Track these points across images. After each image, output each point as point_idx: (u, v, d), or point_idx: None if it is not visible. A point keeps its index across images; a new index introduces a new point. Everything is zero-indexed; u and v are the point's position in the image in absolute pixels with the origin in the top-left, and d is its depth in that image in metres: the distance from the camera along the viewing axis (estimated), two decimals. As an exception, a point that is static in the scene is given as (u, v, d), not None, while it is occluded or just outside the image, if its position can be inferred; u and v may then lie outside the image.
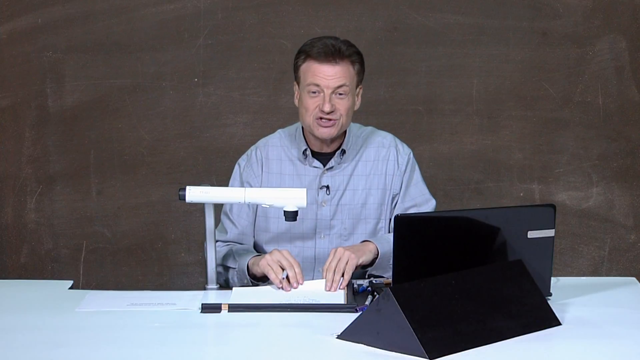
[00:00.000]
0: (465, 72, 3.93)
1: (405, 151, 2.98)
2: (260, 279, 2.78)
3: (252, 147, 3.00)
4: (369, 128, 3.02)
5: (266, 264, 2.68)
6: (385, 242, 2.81)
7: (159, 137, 3.95)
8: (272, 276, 2.66)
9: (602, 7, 3.89)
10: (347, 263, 2.67)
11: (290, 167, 2.94)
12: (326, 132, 2.84)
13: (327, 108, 2.79)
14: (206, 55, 3.91)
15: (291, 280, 2.65)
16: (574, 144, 3.96)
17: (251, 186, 2.93)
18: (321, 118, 2.81)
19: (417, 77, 3.93)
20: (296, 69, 2.87)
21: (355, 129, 2.98)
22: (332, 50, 2.80)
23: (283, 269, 2.66)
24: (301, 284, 2.65)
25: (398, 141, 3.00)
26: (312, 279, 2.76)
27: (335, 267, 2.66)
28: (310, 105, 2.82)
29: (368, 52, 3.86)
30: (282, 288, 2.65)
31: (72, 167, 3.96)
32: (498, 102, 3.95)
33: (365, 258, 2.75)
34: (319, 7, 3.89)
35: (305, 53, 2.83)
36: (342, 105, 2.82)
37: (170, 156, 3.96)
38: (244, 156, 3.00)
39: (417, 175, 2.99)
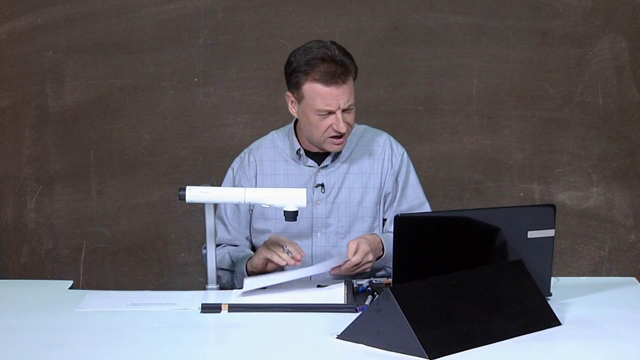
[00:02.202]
0: (465, 72, 3.93)
1: (398, 151, 2.98)
2: (261, 274, 2.78)
3: (245, 150, 3.01)
4: (363, 126, 3.02)
5: (266, 249, 2.70)
6: (390, 246, 2.83)
7: (159, 137, 3.95)
8: (275, 258, 2.67)
9: (602, 7, 3.89)
10: (363, 267, 2.73)
11: (285, 167, 2.94)
12: (338, 148, 2.88)
13: (343, 129, 2.80)
14: (206, 55, 3.91)
15: (294, 253, 2.66)
16: (574, 144, 3.96)
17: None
18: (335, 137, 2.83)
19: (417, 77, 3.93)
20: (296, 85, 2.82)
21: None
22: (338, 71, 2.76)
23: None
24: (304, 256, 2.68)
25: (392, 140, 3.01)
26: (310, 278, 2.77)
27: (358, 264, 2.71)
28: (322, 126, 2.82)
29: (368, 52, 3.88)
30: (286, 266, 2.69)
31: (72, 167, 3.96)
32: (498, 102, 3.95)
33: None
34: (319, 7, 3.89)
35: (307, 74, 2.78)
36: (351, 118, 2.84)
37: (170, 156, 3.96)
38: (237, 159, 3.00)
39: (413, 177, 2.99)
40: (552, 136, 3.96)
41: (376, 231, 2.94)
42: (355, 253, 2.69)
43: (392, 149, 2.98)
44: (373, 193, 2.94)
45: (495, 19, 3.91)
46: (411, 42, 3.91)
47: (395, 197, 2.96)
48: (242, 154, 3.00)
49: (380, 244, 2.80)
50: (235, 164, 3.00)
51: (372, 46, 3.90)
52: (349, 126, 2.84)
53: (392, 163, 2.96)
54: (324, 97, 2.78)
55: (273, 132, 3.01)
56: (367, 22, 3.90)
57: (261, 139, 3.01)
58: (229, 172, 3.00)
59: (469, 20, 3.91)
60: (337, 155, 2.93)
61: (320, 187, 2.92)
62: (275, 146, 2.97)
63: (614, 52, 3.91)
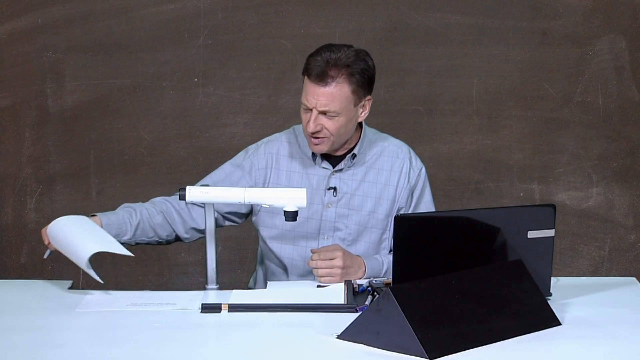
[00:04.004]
0: (465, 72, 3.93)
1: (417, 166, 2.94)
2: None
3: (265, 139, 2.97)
4: (385, 135, 2.98)
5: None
6: (376, 267, 2.81)
7: (159, 137, 3.95)
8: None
9: (602, 7, 3.89)
10: (330, 270, 2.72)
11: (300, 165, 2.91)
12: (317, 149, 2.84)
13: (310, 128, 2.77)
14: (206, 55, 3.91)
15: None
16: (574, 144, 3.96)
17: (249, 175, 2.92)
18: (310, 135, 2.81)
19: (417, 77, 3.93)
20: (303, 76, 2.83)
21: (370, 134, 2.95)
22: (325, 70, 2.73)
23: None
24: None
25: (413, 154, 2.96)
26: (314, 279, 2.77)
27: (322, 265, 2.72)
28: (303, 120, 2.82)
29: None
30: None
31: (72, 167, 3.96)
32: (498, 102, 3.95)
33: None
34: (319, 7, 3.89)
35: (306, 65, 2.78)
36: (331, 125, 2.78)
37: (170, 156, 3.96)
38: (254, 145, 2.97)
39: (428, 194, 2.97)
40: (552, 136, 3.96)
41: (384, 244, 2.92)
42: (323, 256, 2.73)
43: (410, 163, 2.93)
44: (386, 205, 2.90)
45: (495, 19, 3.91)
46: (411, 42, 3.91)
47: (408, 211, 2.93)
48: (260, 142, 2.97)
49: (363, 266, 2.79)
50: (252, 149, 2.96)
51: (372, 46, 3.89)
52: (328, 132, 2.78)
53: (409, 177, 2.92)
54: (306, 91, 2.78)
55: (294, 127, 2.98)
56: (367, 22, 3.90)
57: (282, 133, 2.98)
58: (242, 153, 2.96)
59: (469, 20, 3.91)
60: (353, 160, 2.89)
61: (332, 190, 2.90)
62: (295, 142, 2.94)
63: (614, 52, 3.91)
